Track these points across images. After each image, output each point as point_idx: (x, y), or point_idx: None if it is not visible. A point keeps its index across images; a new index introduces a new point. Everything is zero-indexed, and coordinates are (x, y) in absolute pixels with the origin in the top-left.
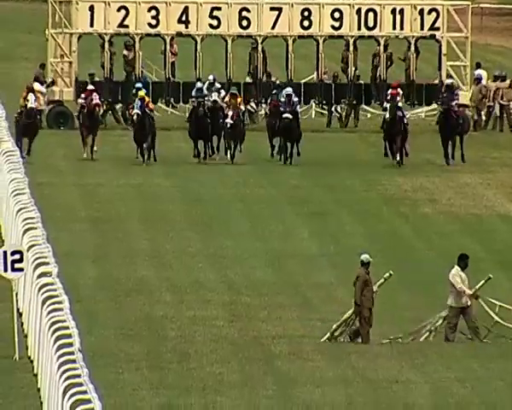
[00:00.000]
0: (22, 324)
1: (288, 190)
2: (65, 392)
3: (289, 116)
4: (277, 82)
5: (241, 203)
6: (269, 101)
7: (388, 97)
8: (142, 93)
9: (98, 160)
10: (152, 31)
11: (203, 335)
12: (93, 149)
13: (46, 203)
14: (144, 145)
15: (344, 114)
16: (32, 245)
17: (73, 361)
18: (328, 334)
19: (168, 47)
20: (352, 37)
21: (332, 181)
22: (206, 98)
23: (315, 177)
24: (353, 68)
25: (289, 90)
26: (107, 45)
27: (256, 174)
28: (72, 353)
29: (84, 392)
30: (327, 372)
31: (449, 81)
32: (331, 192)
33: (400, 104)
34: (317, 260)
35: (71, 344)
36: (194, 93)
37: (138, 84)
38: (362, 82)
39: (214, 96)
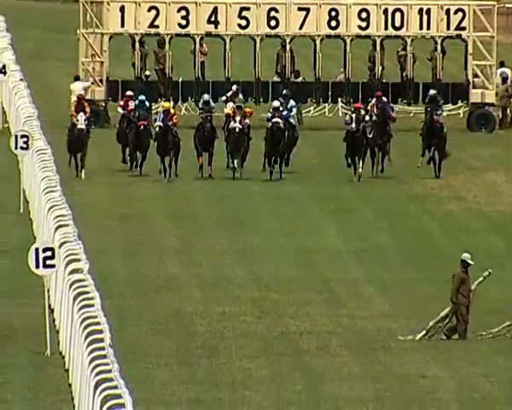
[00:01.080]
0: (54, 320)
1: (313, 187)
2: (96, 387)
3: (279, 121)
4: (284, 91)
5: (267, 201)
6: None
7: (373, 100)
8: (167, 104)
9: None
10: (182, 31)
11: (232, 331)
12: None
13: (77, 201)
14: (166, 161)
15: None
16: (64, 242)
17: (104, 357)
18: (424, 331)
19: (198, 47)
20: (379, 37)
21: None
22: (213, 111)
23: (340, 174)
24: (380, 68)
25: (277, 103)
26: (137, 45)
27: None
28: (102, 348)
29: (115, 387)
30: (354, 368)
31: (432, 92)
32: (356, 189)
33: (367, 116)
34: (344, 257)
35: (102, 340)
36: (200, 105)
37: (142, 97)
38: (389, 81)
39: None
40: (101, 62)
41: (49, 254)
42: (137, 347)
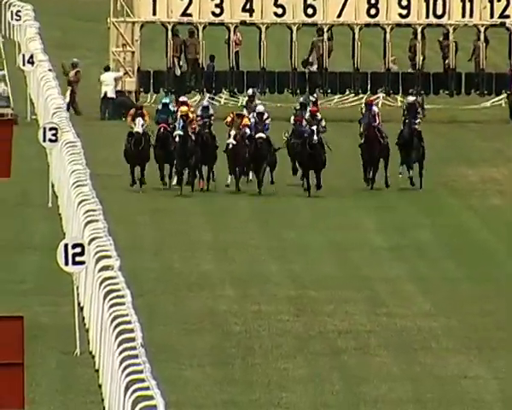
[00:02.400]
0: (83, 318)
1: (351, 182)
2: (127, 388)
3: (263, 135)
4: (301, 99)
5: (303, 195)
6: (292, 118)
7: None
8: (184, 109)
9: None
10: (216, 19)
11: (268, 330)
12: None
13: (107, 195)
14: (183, 174)
15: None
16: (94, 238)
17: (135, 357)
18: None
19: (232, 36)
20: (420, 25)
21: (397, 173)
22: (213, 118)
23: (379, 168)
24: (421, 57)
25: (261, 107)
26: (170, 34)
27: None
28: (134, 348)
29: (147, 388)
30: (394, 368)
31: (411, 99)
32: (396, 184)
33: (323, 123)
34: (383, 253)
35: (133, 339)
36: (199, 112)
37: (165, 99)
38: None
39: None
40: (133, 52)
41: (78, 250)
42: (169, 346)
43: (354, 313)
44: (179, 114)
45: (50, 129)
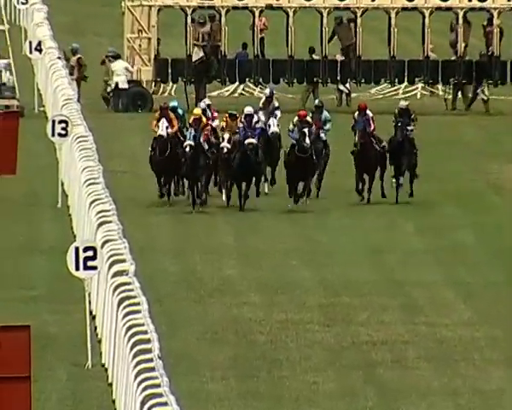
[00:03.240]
0: (96, 328)
1: (387, 180)
2: (143, 404)
3: (253, 141)
4: (316, 102)
5: (336, 194)
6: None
7: (356, 114)
8: (198, 111)
9: None
10: (239, 3)
11: (296, 340)
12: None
13: (122, 194)
14: (195, 189)
15: (451, 94)
16: (107, 241)
17: (152, 369)
18: None
19: (257, 21)
20: (462, 9)
21: (436, 169)
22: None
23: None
24: (463, 44)
25: (250, 109)
26: (189, 19)
27: (350, 162)
28: (150, 360)
29: (165, 404)
30: (433, 382)
31: (403, 103)
32: (436, 181)
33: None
34: (421, 257)
35: (149, 350)
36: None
37: (173, 102)
38: (472, 59)
39: (272, 126)
40: (149, 39)
41: (90, 254)
42: (189, 357)
43: (390, 322)
44: (192, 118)
45: (60, 122)
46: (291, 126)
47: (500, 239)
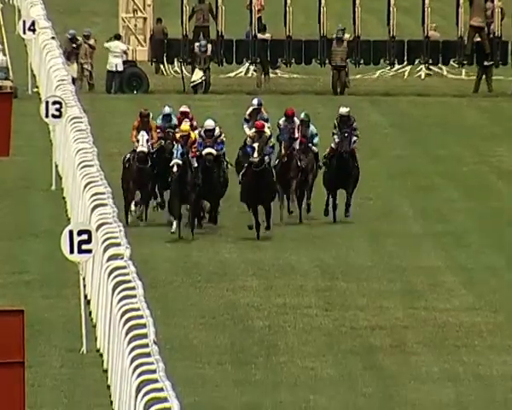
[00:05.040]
0: (90, 312)
1: (387, 161)
2: (138, 389)
3: (212, 151)
4: (302, 115)
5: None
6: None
7: (281, 121)
8: (186, 127)
9: None
10: None
11: (294, 325)
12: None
13: (117, 177)
14: (181, 213)
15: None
16: (102, 224)
17: (148, 355)
18: None
19: (254, 1)
20: None
21: (439, 151)
22: (176, 130)
23: (419, 146)
24: (462, 24)
25: (210, 123)
26: None
27: None
28: (146, 345)
29: (160, 389)
30: (433, 368)
31: (344, 110)
32: (438, 164)
33: (296, 135)
34: (421, 241)
35: (145, 335)
36: (159, 121)
37: (167, 109)
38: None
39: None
40: (144, 18)
41: (84, 237)
42: (186, 343)
43: (389, 307)
44: (178, 134)
45: (54, 103)
46: (248, 139)
47: (502, 224)
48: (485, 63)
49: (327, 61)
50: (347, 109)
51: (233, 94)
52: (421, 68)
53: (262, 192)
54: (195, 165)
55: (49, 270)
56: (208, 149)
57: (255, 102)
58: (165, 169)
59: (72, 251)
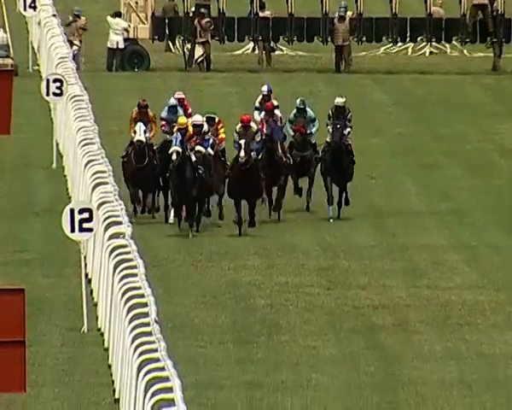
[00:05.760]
0: (91, 291)
1: (391, 139)
2: (139, 369)
3: (201, 149)
4: (298, 102)
5: None
6: (288, 127)
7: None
8: (183, 120)
9: None
10: None
11: (296, 304)
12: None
13: (118, 155)
14: (184, 208)
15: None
16: (103, 202)
17: (149, 334)
18: None
19: None
20: None
21: (442, 129)
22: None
23: (422, 124)
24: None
25: (198, 118)
26: None
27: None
28: (147, 324)
29: (162, 369)
30: (436, 347)
31: (340, 100)
32: (441, 142)
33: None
34: (424, 219)
35: (146, 314)
36: (165, 113)
37: (173, 101)
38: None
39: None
40: None
41: (86, 215)
42: (187, 322)
43: (391, 285)
44: (175, 127)
45: (54, 81)
46: (235, 135)
47: (505, 202)
48: (488, 41)
49: (329, 39)
50: (343, 100)
51: (235, 72)
52: (426, 45)
53: (247, 189)
54: (194, 159)
55: (49, 249)
56: (198, 147)
57: (265, 88)
58: (169, 166)
59: (73, 230)
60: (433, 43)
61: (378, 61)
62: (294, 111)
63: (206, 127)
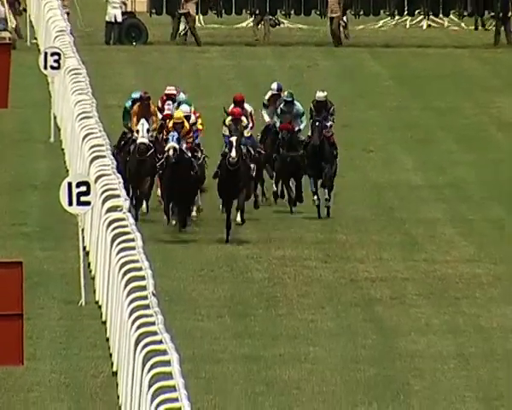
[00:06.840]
0: (89, 264)
1: (387, 113)
2: (137, 342)
3: (145, 141)
4: (285, 94)
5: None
6: (276, 122)
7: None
8: (179, 114)
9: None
10: None
11: (293, 277)
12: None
13: (116, 129)
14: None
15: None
16: (101, 175)
17: (147, 307)
18: None
19: None
20: None
21: (439, 103)
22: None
23: (420, 98)
24: None
25: (186, 108)
26: None
27: (353, 95)
28: (145, 297)
29: (159, 342)
30: (433, 320)
31: (321, 95)
32: (438, 116)
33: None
34: (421, 193)
35: (144, 288)
36: (129, 104)
37: (182, 96)
38: None
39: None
40: None
41: (83, 189)
42: (184, 296)
43: (389, 258)
44: (171, 122)
45: (52, 54)
46: (224, 128)
47: (502, 175)
48: (485, 16)
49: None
50: (324, 94)
51: (232, 45)
52: (423, 19)
53: (235, 188)
54: (190, 156)
55: (47, 222)
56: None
57: (274, 86)
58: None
59: (70, 203)
60: (431, 17)
61: (376, 35)
62: (282, 105)
63: (193, 118)
